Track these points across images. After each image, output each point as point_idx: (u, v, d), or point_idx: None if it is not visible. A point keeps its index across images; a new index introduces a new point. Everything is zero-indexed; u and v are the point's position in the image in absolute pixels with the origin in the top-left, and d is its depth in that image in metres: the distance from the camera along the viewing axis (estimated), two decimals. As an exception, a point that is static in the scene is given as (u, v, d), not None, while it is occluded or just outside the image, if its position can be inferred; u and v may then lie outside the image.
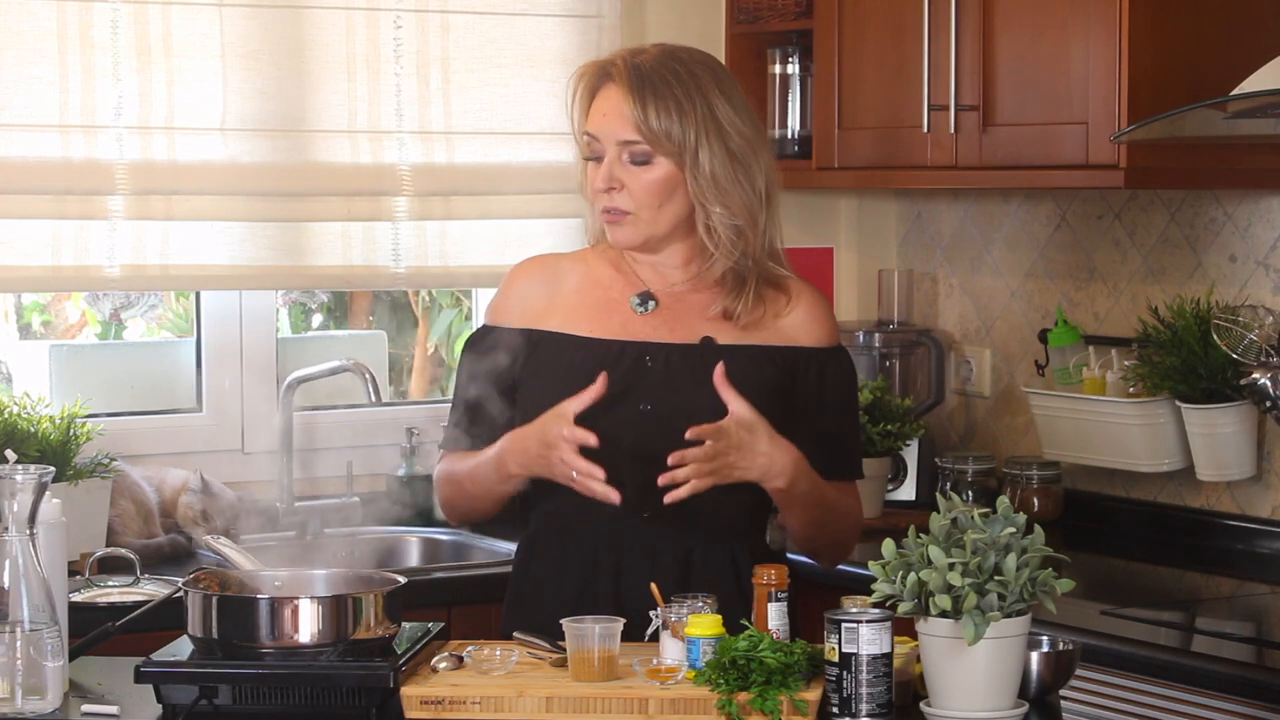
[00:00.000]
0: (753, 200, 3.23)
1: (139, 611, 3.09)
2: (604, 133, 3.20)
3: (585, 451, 3.08)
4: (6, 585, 2.78)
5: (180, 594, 2.92)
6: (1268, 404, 4.06)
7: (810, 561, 3.47)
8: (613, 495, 3.05)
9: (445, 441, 3.34)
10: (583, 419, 3.11)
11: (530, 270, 3.35)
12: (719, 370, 3.10)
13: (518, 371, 3.26)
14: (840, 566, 4.28)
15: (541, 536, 3.28)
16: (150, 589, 3.83)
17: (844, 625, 2.72)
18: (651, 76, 3.19)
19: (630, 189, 3.20)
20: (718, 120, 3.20)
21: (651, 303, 3.27)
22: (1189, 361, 4.20)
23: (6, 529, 2.79)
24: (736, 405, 3.09)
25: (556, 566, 3.24)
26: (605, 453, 3.10)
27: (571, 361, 3.22)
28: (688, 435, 3.06)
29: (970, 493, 4.67)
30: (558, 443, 3.08)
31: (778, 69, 4.86)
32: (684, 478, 3.05)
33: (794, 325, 3.28)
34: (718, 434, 3.07)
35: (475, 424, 3.27)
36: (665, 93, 3.18)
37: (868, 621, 2.72)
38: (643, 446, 3.15)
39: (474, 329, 3.40)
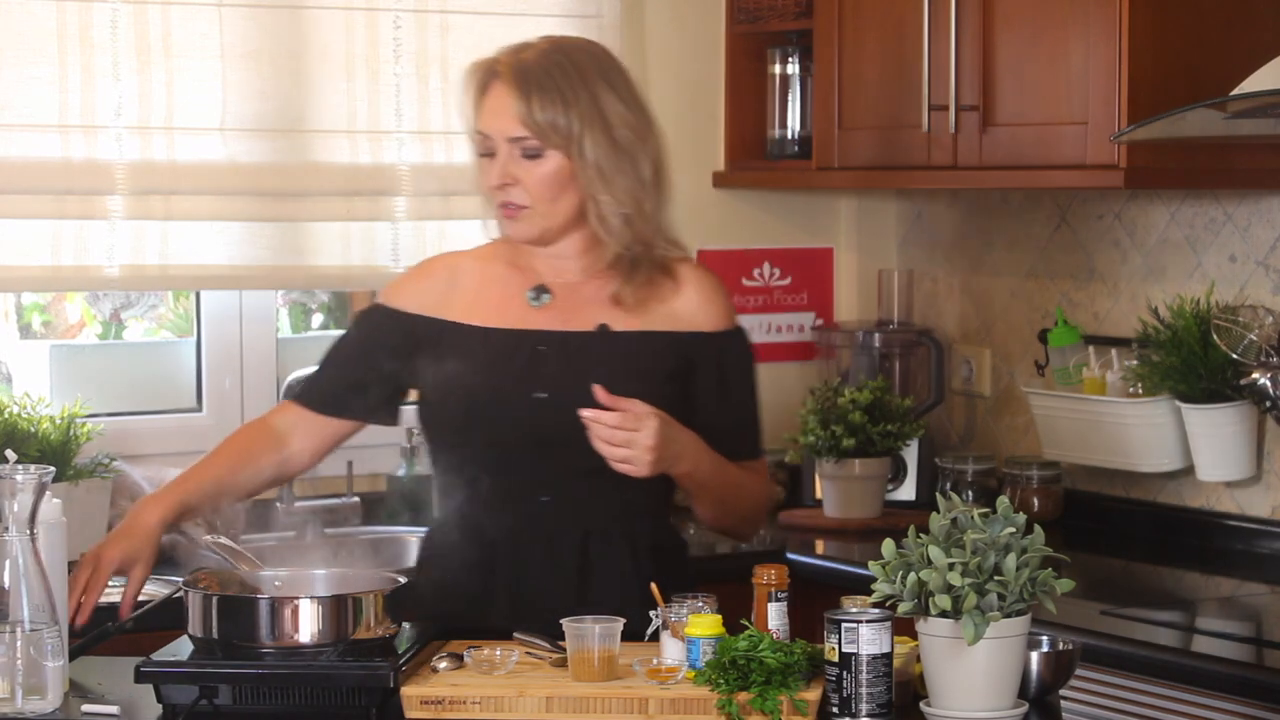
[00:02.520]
0: (638, 188, 3.28)
1: (139, 611, 3.09)
2: (494, 130, 3.24)
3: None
4: (6, 585, 2.78)
5: (180, 594, 2.92)
6: (1268, 404, 4.06)
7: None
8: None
9: (296, 391, 3.40)
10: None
11: (430, 268, 3.42)
12: (599, 391, 3.11)
13: (415, 361, 3.31)
14: (840, 566, 4.29)
15: (441, 528, 3.31)
16: (150, 589, 3.83)
17: (844, 625, 2.73)
18: (535, 71, 3.24)
19: (524, 184, 3.24)
20: (601, 110, 3.25)
21: (546, 295, 3.31)
22: (1189, 361, 4.19)
23: (7, 529, 2.79)
24: (631, 404, 3.12)
25: (459, 557, 3.27)
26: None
27: (468, 351, 3.27)
28: (600, 398, 3.09)
29: (970, 493, 4.67)
30: (92, 567, 3.16)
31: (778, 69, 4.86)
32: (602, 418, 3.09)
33: (688, 309, 3.32)
34: (629, 405, 3.10)
35: (339, 392, 3.34)
36: (549, 86, 3.23)
37: (868, 621, 2.72)
38: (540, 434, 3.21)
39: (365, 305, 3.46)
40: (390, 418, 3.40)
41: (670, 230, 3.36)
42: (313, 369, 3.44)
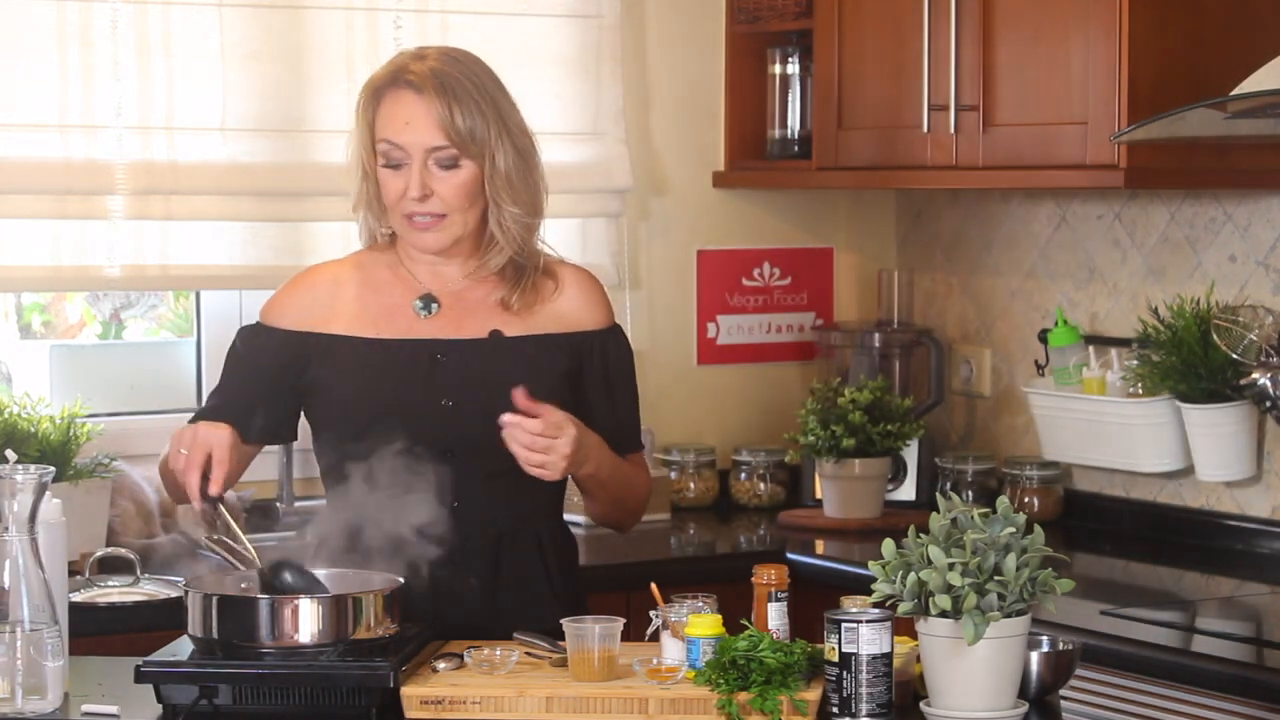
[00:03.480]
0: (537, 196, 3.30)
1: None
2: (409, 140, 3.21)
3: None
4: (6, 585, 2.78)
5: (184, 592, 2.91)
6: (1268, 404, 4.06)
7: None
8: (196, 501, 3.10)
9: (196, 418, 3.30)
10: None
11: (310, 281, 3.37)
12: (519, 393, 3.11)
13: (308, 377, 3.28)
14: (840, 566, 4.29)
15: (343, 538, 3.23)
16: (150, 589, 3.83)
17: (844, 625, 2.73)
18: (449, 81, 3.22)
19: (440, 194, 3.23)
20: (504, 120, 3.26)
21: (434, 305, 3.30)
22: (1189, 361, 4.19)
23: (7, 529, 2.79)
24: (550, 412, 3.13)
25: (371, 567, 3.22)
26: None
27: (367, 362, 3.25)
28: (520, 404, 3.10)
29: (970, 493, 4.67)
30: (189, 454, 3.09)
31: (778, 69, 4.87)
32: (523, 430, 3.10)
33: (571, 309, 3.33)
34: (548, 413, 3.12)
35: (236, 417, 3.25)
36: (464, 96, 3.22)
37: (868, 621, 2.73)
38: (446, 442, 3.19)
39: (248, 324, 3.40)
40: (290, 434, 3.38)
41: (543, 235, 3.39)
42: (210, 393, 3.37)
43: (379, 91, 3.26)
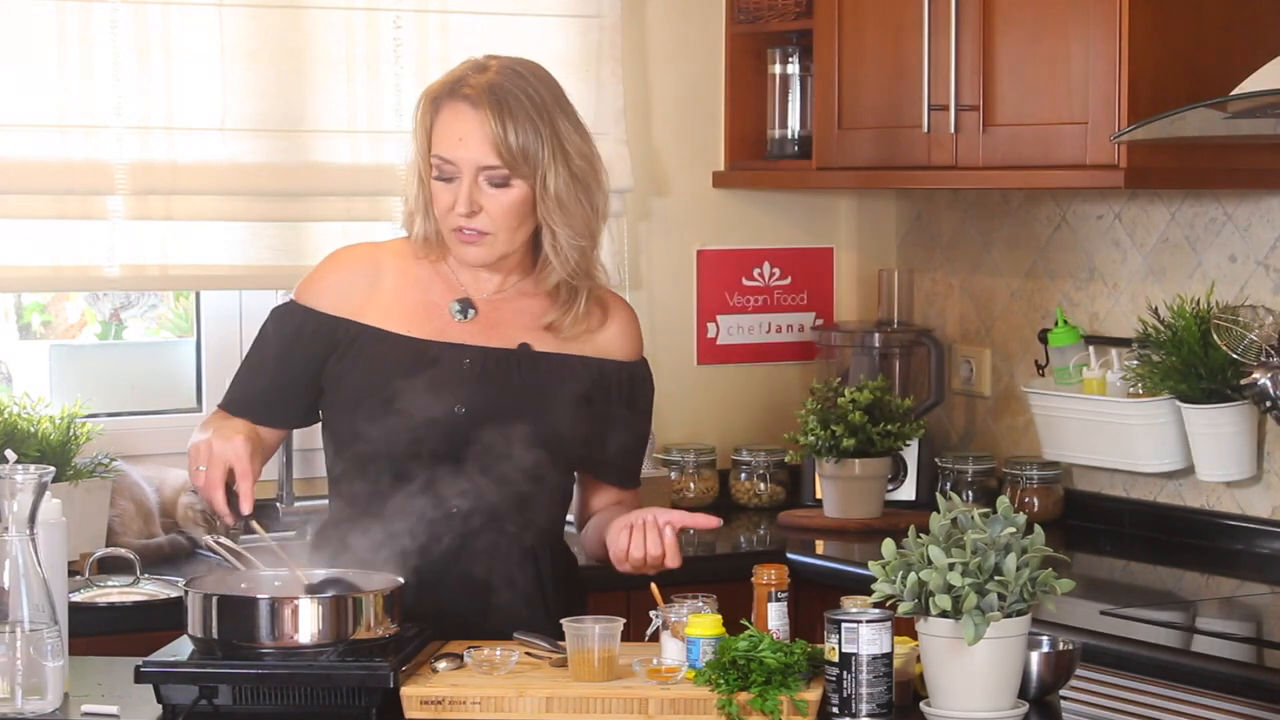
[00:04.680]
0: (592, 219, 3.27)
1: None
2: (461, 157, 3.19)
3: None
4: (6, 585, 2.78)
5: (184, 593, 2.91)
6: (1268, 404, 4.06)
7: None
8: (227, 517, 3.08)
9: (226, 401, 3.31)
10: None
11: (351, 262, 3.34)
12: (714, 522, 3.20)
13: (331, 363, 3.25)
14: (840, 566, 4.28)
15: (341, 534, 3.23)
16: (150, 589, 3.83)
17: (844, 625, 2.73)
18: (507, 98, 3.19)
19: (489, 212, 3.20)
20: (561, 141, 3.22)
21: (471, 311, 3.28)
22: (1189, 361, 4.20)
23: (6, 529, 2.79)
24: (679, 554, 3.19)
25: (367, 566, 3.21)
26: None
27: (390, 357, 3.23)
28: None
29: (970, 493, 4.67)
30: (208, 471, 3.07)
31: (778, 69, 4.86)
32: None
33: (608, 340, 3.32)
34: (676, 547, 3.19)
35: (269, 400, 3.26)
36: (520, 114, 3.18)
37: (868, 621, 2.73)
38: (453, 446, 3.18)
39: (282, 303, 3.37)
40: (315, 419, 3.35)
41: (602, 259, 3.37)
42: (237, 374, 3.36)
43: (437, 102, 3.23)
